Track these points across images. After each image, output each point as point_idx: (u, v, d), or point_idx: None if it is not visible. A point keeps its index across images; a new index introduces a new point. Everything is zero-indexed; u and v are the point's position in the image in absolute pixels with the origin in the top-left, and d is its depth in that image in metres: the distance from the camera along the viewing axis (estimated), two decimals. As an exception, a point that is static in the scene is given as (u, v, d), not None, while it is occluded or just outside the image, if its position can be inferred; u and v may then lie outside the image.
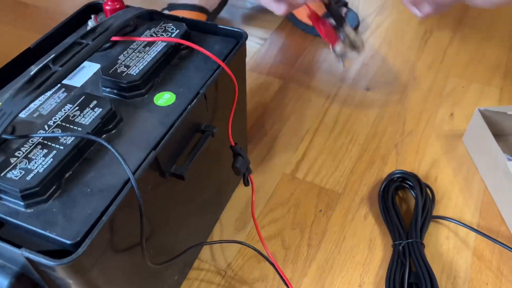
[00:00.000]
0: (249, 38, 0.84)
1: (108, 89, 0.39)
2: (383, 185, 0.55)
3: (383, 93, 0.72)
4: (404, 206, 0.56)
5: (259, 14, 0.91)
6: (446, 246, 0.52)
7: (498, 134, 0.62)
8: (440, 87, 0.73)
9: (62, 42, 0.46)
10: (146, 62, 0.40)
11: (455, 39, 0.83)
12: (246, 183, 0.48)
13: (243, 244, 0.49)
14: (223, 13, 0.91)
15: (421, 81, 0.74)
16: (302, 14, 0.85)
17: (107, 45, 0.45)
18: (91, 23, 0.45)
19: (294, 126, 0.68)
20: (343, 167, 0.62)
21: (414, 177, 0.55)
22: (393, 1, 0.93)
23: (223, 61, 0.42)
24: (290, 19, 0.88)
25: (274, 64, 0.79)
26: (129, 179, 0.32)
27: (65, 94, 0.40)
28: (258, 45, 0.83)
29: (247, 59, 0.80)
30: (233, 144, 0.46)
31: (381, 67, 0.78)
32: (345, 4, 0.86)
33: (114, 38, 0.42)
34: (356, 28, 0.84)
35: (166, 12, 0.83)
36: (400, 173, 0.56)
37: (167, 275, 0.44)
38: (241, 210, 0.57)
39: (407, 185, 0.56)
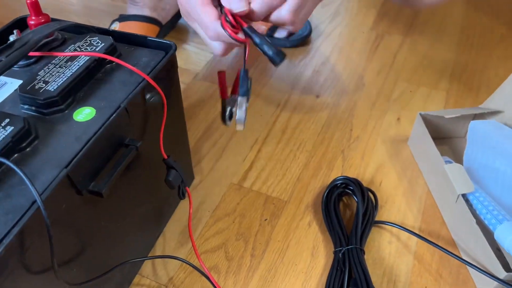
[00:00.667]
0: (201, 47, 0.84)
1: (26, 106, 0.38)
2: (326, 192, 0.56)
3: (332, 100, 0.73)
4: (348, 212, 0.57)
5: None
6: (388, 250, 0.52)
7: (441, 137, 0.63)
8: (389, 92, 0.74)
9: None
10: (66, 77, 0.39)
11: (405, 43, 0.84)
12: (180, 196, 0.47)
13: (181, 261, 0.49)
14: (177, 24, 0.90)
15: (370, 87, 0.75)
16: (254, 24, 0.85)
17: (32, 60, 0.44)
18: (12, 39, 0.44)
19: (244, 135, 0.67)
20: (290, 174, 0.62)
21: (356, 182, 0.56)
22: (345, 8, 0.95)
23: (149, 73, 0.41)
24: (243, 27, 0.88)
25: (227, 74, 0.79)
26: (36, 200, 0.31)
27: (-18, 112, 0.39)
28: (211, 54, 0.83)
29: (199, 68, 0.80)
30: (165, 157, 0.45)
31: (331, 74, 0.78)
32: (297, 12, 0.87)
33: (33, 53, 0.41)
34: (308, 35, 0.85)
35: (116, 23, 0.82)
36: (343, 179, 0.56)
37: (99, 293, 0.43)
38: (185, 222, 0.56)
39: (349, 191, 0.57)
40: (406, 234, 0.54)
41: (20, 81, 0.42)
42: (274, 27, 0.85)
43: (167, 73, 0.45)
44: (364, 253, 0.50)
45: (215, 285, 0.45)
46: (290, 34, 0.84)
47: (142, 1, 0.82)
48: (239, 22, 0.45)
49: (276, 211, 0.57)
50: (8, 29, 0.47)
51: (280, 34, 0.84)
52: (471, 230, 0.48)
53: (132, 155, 0.39)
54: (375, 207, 0.55)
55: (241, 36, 0.45)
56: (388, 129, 0.67)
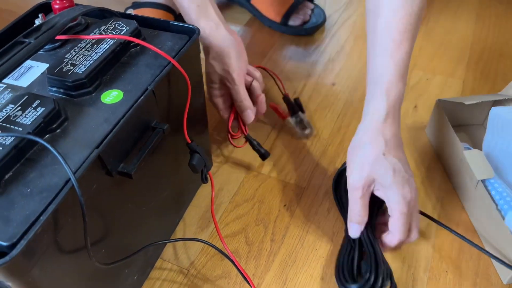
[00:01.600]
0: (216, 36, 0.84)
1: (54, 89, 0.39)
2: (337, 173, 0.56)
3: (348, 88, 0.73)
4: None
5: (226, 11, 0.91)
6: (407, 236, 0.53)
7: (458, 125, 0.63)
8: (405, 80, 0.74)
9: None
10: (93, 60, 0.39)
11: (420, 32, 0.84)
12: (204, 181, 0.48)
13: (204, 243, 0.49)
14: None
15: (386, 75, 0.75)
16: (269, 11, 0.85)
17: (57, 44, 0.44)
18: (38, 23, 0.44)
19: (261, 121, 0.68)
20: (307, 162, 0.62)
21: None
22: (359, -3, 0.94)
23: (174, 57, 0.42)
24: (257, 16, 0.88)
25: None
26: (70, 179, 0.31)
27: (10, 94, 0.39)
28: (225, 43, 0.83)
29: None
30: (189, 141, 0.45)
31: (346, 62, 0.78)
32: (312, 1, 0.87)
33: (59, 37, 0.42)
34: (322, 24, 0.85)
35: (130, 10, 0.82)
36: None
37: (125, 275, 0.44)
38: (205, 208, 0.56)
39: None
40: (426, 220, 0.54)
41: (46, 65, 0.42)
42: (288, 14, 0.84)
43: (191, 57, 0.45)
44: (375, 229, 0.49)
45: (239, 267, 0.45)
46: (304, 22, 0.84)
47: (155, -12, 0.82)
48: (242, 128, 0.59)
49: (295, 197, 0.57)
50: (32, 13, 0.47)
51: (295, 22, 0.84)
52: (491, 216, 0.48)
53: (160, 138, 0.40)
54: None
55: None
56: (405, 117, 0.67)
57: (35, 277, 0.31)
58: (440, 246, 0.52)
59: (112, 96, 0.38)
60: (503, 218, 0.47)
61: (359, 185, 0.45)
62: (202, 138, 0.56)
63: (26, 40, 0.37)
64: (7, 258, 0.27)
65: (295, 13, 0.84)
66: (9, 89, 0.40)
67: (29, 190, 0.31)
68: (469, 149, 0.55)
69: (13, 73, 0.40)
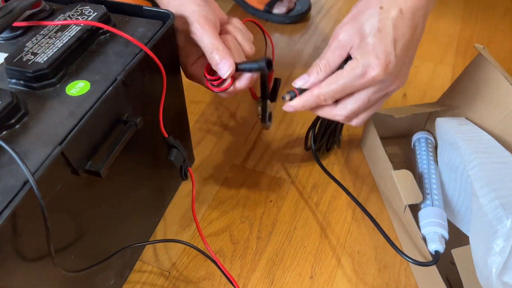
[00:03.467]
0: (196, 25, 0.81)
1: (13, 80, 0.35)
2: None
3: (335, 76, 0.70)
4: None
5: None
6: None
7: (391, 136, 0.59)
8: (393, 68, 0.71)
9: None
10: (57, 49, 0.36)
11: (407, 19, 0.81)
12: (183, 177, 0.45)
13: (185, 244, 0.46)
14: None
15: (373, 63, 0.72)
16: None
17: (18, 32, 0.40)
18: (-4, 8, 0.40)
19: (244, 115, 0.65)
20: (294, 154, 0.59)
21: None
22: (345, -17, 0.91)
23: (146, 44, 0.38)
24: (240, 4, 0.85)
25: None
26: (28, 180, 0.28)
27: (-35, 88, 0.35)
28: (206, 32, 0.80)
29: (195, 47, 0.76)
30: (166, 135, 0.42)
31: (333, 50, 0.75)
32: (296, -13, 0.84)
33: (18, 23, 0.38)
34: (307, 11, 0.82)
35: None
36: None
37: (100, 280, 0.41)
38: (187, 206, 0.54)
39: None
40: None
41: (5, 55, 0.38)
42: (272, 2, 0.81)
43: (166, 45, 0.42)
44: None
45: (222, 268, 0.43)
46: (289, 10, 0.81)
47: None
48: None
49: (282, 192, 0.55)
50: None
51: (279, 10, 0.81)
52: (417, 243, 0.45)
53: (131, 132, 0.36)
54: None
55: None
56: (395, 105, 0.65)
57: (-8, 290, 0.27)
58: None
59: (78, 88, 0.35)
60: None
61: (337, 33, 0.40)
62: (182, 132, 0.53)
63: (-20, 27, 0.33)
64: (-47, 271, 0.24)
65: (279, 1, 0.81)
66: (-36, 82, 0.36)
67: (-18, 194, 0.28)
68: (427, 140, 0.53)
69: (-33, 64, 0.36)
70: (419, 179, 0.50)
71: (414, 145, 0.55)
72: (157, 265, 0.48)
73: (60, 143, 0.31)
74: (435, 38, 0.77)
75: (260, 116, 0.53)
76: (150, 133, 0.42)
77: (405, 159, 0.57)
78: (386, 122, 0.56)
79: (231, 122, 0.64)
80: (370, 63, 0.37)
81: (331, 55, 0.41)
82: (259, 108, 0.53)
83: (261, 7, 0.81)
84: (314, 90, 0.41)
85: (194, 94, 0.67)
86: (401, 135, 0.58)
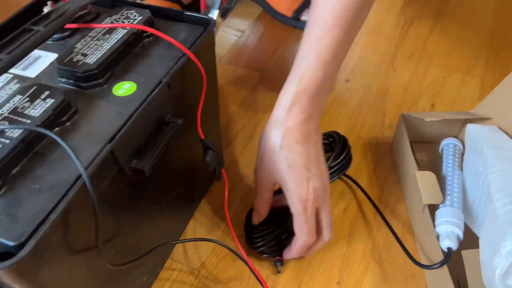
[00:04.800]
0: (226, 30, 0.82)
1: (64, 80, 0.37)
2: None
3: (362, 85, 0.71)
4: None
5: (236, 6, 0.89)
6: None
7: (422, 141, 0.59)
8: (421, 78, 0.72)
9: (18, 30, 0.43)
10: (105, 50, 0.37)
11: (435, 29, 0.82)
12: (217, 178, 0.46)
13: (216, 243, 0.47)
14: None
15: (401, 72, 0.73)
16: (280, 6, 0.83)
17: (66, 33, 0.42)
18: (46, 10, 0.42)
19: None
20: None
21: (340, 136, 0.56)
22: (373, -8, 0.92)
23: (189, 48, 0.40)
24: (268, 10, 0.86)
25: (251, 56, 0.77)
26: (81, 175, 0.29)
27: (18, 85, 0.37)
28: (235, 37, 0.81)
29: (224, 51, 0.78)
30: (202, 137, 0.43)
31: (360, 58, 0.76)
32: (324, -5, 0.84)
33: (69, 26, 0.40)
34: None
35: (138, 1, 0.80)
36: (330, 132, 0.57)
37: (134, 276, 0.42)
38: (216, 207, 0.55)
39: (332, 142, 0.57)
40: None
41: (55, 55, 0.40)
42: (300, 10, 0.82)
43: (206, 49, 0.43)
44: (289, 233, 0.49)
45: (252, 268, 0.43)
46: (317, 18, 0.82)
47: (163, -21, 0.80)
48: None
49: (309, 197, 0.55)
50: (41, 1, 0.45)
51: (307, 17, 0.82)
52: (432, 242, 0.45)
53: (174, 133, 0.38)
54: (347, 164, 0.55)
55: None
56: (422, 115, 0.65)
57: (43, 279, 0.29)
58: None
59: (124, 89, 0.36)
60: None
61: (259, 181, 0.44)
62: (214, 135, 0.54)
63: (35, 28, 0.35)
64: (14, 259, 0.25)
65: (307, 8, 0.82)
66: (16, 80, 0.38)
67: (37, 186, 0.29)
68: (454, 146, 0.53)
69: (20, 62, 0.38)
70: (442, 181, 0.50)
71: (441, 150, 0.55)
72: (187, 264, 0.49)
73: (110, 141, 0.32)
74: (463, 49, 0.77)
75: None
76: (186, 134, 0.44)
77: (432, 164, 0.57)
78: (417, 126, 0.56)
79: (260, 125, 0.65)
80: (299, 192, 0.41)
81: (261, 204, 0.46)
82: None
83: (289, 14, 0.82)
84: (296, 243, 0.44)
85: (223, 97, 0.69)
86: (431, 141, 0.59)
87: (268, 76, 0.73)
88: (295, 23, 0.83)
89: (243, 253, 0.45)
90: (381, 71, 0.73)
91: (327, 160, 0.54)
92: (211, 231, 0.52)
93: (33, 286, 0.28)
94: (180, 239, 0.51)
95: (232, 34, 0.82)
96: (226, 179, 0.47)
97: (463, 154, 0.54)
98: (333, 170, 0.55)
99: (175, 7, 0.79)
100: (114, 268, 0.34)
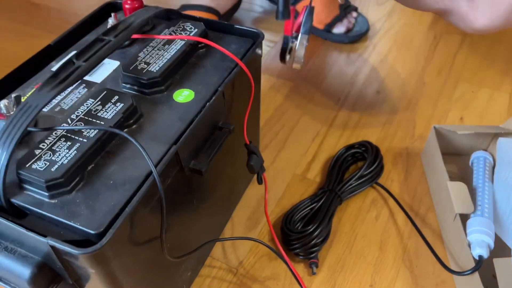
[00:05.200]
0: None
1: (128, 85, 0.40)
2: (345, 148, 0.61)
3: (393, 97, 0.73)
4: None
5: (268, 17, 0.92)
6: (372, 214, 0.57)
7: (453, 153, 0.61)
8: (450, 92, 0.74)
9: (82, 39, 0.47)
10: (166, 60, 0.41)
11: (465, 44, 0.83)
12: (259, 181, 0.48)
13: (256, 241, 0.50)
14: (233, 17, 0.92)
15: (430, 86, 0.75)
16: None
17: (126, 43, 0.45)
18: (111, 21, 0.45)
19: (305, 128, 0.68)
20: (353, 168, 0.62)
21: (373, 146, 0.60)
22: (402, 7, 0.94)
23: (241, 60, 0.43)
24: (300, 22, 0.89)
25: (284, 67, 0.80)
26: (150, 172, 0.33)
27: (86, 89, 0.40)
28: (268, 47, 0.84)
29: (258, 61, 0.81)
30: (248, 142, 0.46)
31: (390, 71, 0.78)
32: (355, 9, 0.87)
33: (134, 36, 0.43)
34: (366, 32, 0.85)
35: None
36: (362, 142, 0.61)
37: (181, 270, 0.45)
38: (252, 209, 0.57)
39: (364, 152, 0.60)
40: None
41: (116, 62, 0.44)
42: (332, 23, 0.85)
43: (255, 61, 0.46)
44: (341, 202, 0.55)
45: (291, 267, 0.46)
46: (348, 31, 0.85)
47: (200, -10, 0.84)
48: None
49: (342, 204, 0.58)
50: (101, 12, 0.49)
51: (339, 30, 0.85)
52: (463, 249, 0.47)
53: (226, 137, 0.41)
54: (379, 172, 0.58)
55: None
56: (451, 128, 0.67)
57: (114, 266, 0.32)
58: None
59: (183, 96, 0.40)
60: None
61: None
62: (254, 140, 0.57)
63: (106, 38, 0.38)
64: (97, 246, 0.28)
65: (339, 21, 0.85)
66: (84, 84, 0.41)
67: (111, 182, 0.32)
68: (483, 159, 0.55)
69: (89, 69, 0.42)
70: (473, 192, 0.52)
71: (472, 162, 0.57)
72: (226, 262, 0.52)
73: (175, 143, 0.35)
74: (493, 64, 0.79)
75: (290, 50, 0.50)
76: (232, 139, 0.46)
77: (462, 176, 0.59)
78: (448, 138, 0.58)
79: (293, 133, 0.67)
80: None
81: None
82: (291, 44, 0.50)
83: (321, 26, 0.85)
84: None
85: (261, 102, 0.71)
86: (461, 153, 0.61)
87: (300, 86, 0.76)
88: (326, 35, 0.85)
89: (283, 253, 0.47)
90: (411, 84, 0.75)
91: (360, 168, 0.57)
92: (248, 232, 0.55)
93: (106, 271, 0.31)
94: (219, 237, 0.54)
95: (265, 44, 0.85)
96: (266, 183, 0.50)
97: (493, 167, 0.56)
98: (365, 178, 0.57)
99: (213, 17, 0.83)
100: (171, 260, 0.37)
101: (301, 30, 0.50)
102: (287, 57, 0.51)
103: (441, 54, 0.81)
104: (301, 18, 0.49)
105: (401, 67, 0.79)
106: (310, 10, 0.50)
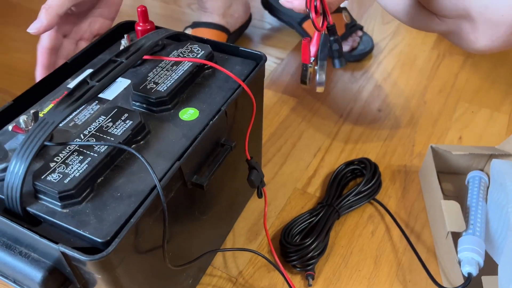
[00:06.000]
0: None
1: (137, 103, 0.43)
2: (345, 164, 0.63)
3: (394, 115, 0.75)
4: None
5: (277, 34, 0.95)
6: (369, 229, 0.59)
7: (450, 172, 0.63)
8: (450, 111, 0.75)
9: (95, 58, 0.50)
10: (173, 80, 0.43)
11: (467, 64, 0.85)
12: (259, 195, 0.51)
13: (255, 253, 0.52)
14: (243, 33, 0.95)
15: (431, 105, 0.77)
16: (318, 36, 0.89)
17: (137, 62, 0.48)
18: (124, 42, 0.49)
19: (307, 143, 0.71)
20: (353, 184, 0.64)
21: (371, 163, 0.62)
22: (406, 27, 0.96)
23: (243, 81, 0.45)
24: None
25: (289, 83, 0.83)
26: (155, 186, 0.35)
27: (98, 106, 0.43)
28: (275, 64, 0.87)
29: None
30: (249, 158, 0.49)
31: (393, 89, 0.80)
32: (361, 28, 0.90)
33: (145, 57, 0.46)
34: (370, 51, 0.87)
35: (189, 29, 0.88)
36: (361, 159, 0.63)
37: (183, 278, 0.47)
38: (253, 221, 0.60)
39: (363, 169, 0.62)
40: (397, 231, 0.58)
41: (128, 81, 0.47)
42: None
43: (257, 81, 0.49)
44: (338, 216, 0.57)
45: (287, 278, 0.48)
46: (352, 49, 0.88)
47: (211, 8, 0.87)
48: (326, 12, 0.48)
49: (340, 218, 0.60)
50: (115, 32, 0.52)
51: (343, 48, 0.87)
52: (454, 267, 0.49)
53: (228, 153, 0.43)
54: (377, 189, 0.60)
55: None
56: (450, 147, 0.69)
57: (119, 273, 0.34)
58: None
59: (189, 114, 0.42)
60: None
61: None
62: (256, 156, 0.59)
63: (118, 59, 0.41)
64: (104, 253, 0.31)
65: (344, 40, 0.87)
66: (97, 101, 0.44)
67: (119, 194, 0.35)
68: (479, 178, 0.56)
69: (102, 87, 0.45)
70: (466, 211, 0.54)
71: (468, 182, 0.58)
72: (226, 271, 0.54)
73: (179, 159, 0.38)
74: (493, 85, 0.80)
75: (310, 77, 0.54)
76: (234, 154, 0.49)
77: (458, 195, 0.60)
78: (445, 158, 0.60)
79: (295, 148, 0.70)
80: None
81: None
82: (309, 71, 0.53)
83: (327, 44, 0.88)
84: None
85: (264, 117, 0.74)
86: (458, 172, 0.62)
87: (303, 101, 0.78)
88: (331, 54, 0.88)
89: (279, 264, 0.49)
90: (412, 103, 0.77)
91: (358, 185, 0.59)
92: (248, 243, 0.57)
93: (112, 277, 0.34)
94: (221, 248, 0.56)
95: (272, 61, 0.88)
96: (266, 197, 0.52)
97: (488, 187, 0.57)
98: (363, 194, 0.59)
99: (222, 34, 0.86)
100: (173, 268, 0.39)
101: (320, 57, 0.53)
102: (308, 82, 0.55)
103: (443, 73, 0.83)
104: (315, 44, 0.52)
105: (404, 85, 0.81)
106: (325, 38, 0.52)
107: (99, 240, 0.32)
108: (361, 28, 0.90)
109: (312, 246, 0.52)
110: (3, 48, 0.92)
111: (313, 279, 0.52)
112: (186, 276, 0.48)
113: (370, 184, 0.59)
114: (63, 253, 0.32)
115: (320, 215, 0.56)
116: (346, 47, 0.87)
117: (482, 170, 0.61)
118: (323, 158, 0.68)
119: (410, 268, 0.54)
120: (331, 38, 0.51)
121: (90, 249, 0.33)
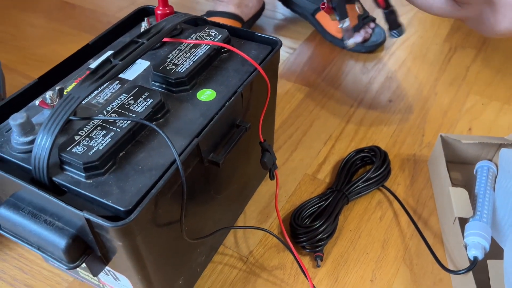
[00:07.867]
0: (279, 47, 0.90)
1: (157, 84, 0.45)
2: (354, 152, 0.64)
3: (404, 106, 0.76)
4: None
5: (289, 25, 0.96)
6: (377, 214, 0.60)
7: (459, 162, 0.64)
8: (460, 103, 0.76)
9: (116, 40, 0.52)
10: (192, 62, 0.45)
11: (478, 57, 0.86)
12: (271, 177, 0.52)
13: (266, 231, 0.53)
14: (256, 23, 0.96)
15: (442, 97, 0.78)
16: (331, 27, 0.90)
17: (157, 45, 0.50)
18: (144, 25, 0.50)
19: (318, 131, 0.72)
20: (362, 171, 0.65)
21: (381, 151, 0.63)
22: (419, 19, 0.97)
23: (259, 65, 0.47)
24: (319, 30, 0.93)
25: (301, 72, 0.84)
26: (174, 161, 0.37)
27: (119, 86, 0.45)
28: (287, 54, 0.88)
29: (277, 66, 0.85)
30: (262, 140, 0.50)
31: (404, 81, 0.81)
32: (373, 20, 0.90)
33: (165, 39, 0.48)
34: (382, 43, 0.88)
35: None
36: (372, 146, 0.64)
37: (196, 254, 0.49)
38: (263, 204, 0.61)
39: (373, 156, 0.64)
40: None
41: (147, 62, 0.48)
42: (350, 33, 0.88)
43: (272, 65, 0.50)
44: (347, 201, 0.59)
45: (297, 257, 0.49)
46: (365, 40, 0.88)
47: (227, -2, 0.88)
48: None
49: (349, 204, 0.61)
50: (134, 16, 0.54)
51: (356, 39, 0.88)
52: (460, 251, 0.50)
53: (243, 134, 0.45)
54: (386, 176, 0.62)
55: None
56: (459, 138, 0.70)
57: (138, 242, 0.36)
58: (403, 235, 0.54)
59: (206, 95, 0.44)
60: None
61: None
62: (268, 139, 0.61)
63: (140, 40, 0.43)
64: (126, 220, 0.33)
65: (357, 31, 0.88)
66: (117, 81, 0.46)
67: (140, 167, 0.37)
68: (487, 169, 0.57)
69: (123, 67, 0.46)
70: (474, 199, 0.55)
71: (476, 171, 0.59)
72: (237, 251, 0.56)
73: (197, 136, 0.39)
74: (504, 79, 0.81)
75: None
76: (248, 137, 0.51)
77: (466, 184, 0.61)
78: (454, 147, 0.61)
79: (306, 136, 0.71)
80: None
81: None
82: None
83: (339, 35, 0.89)
84: None
85: (277, 105, 0.75)
86: (467, 162, 0.63)
87: (315, 92, 0.79)
88: (343, 44, 0.89)
89: (290, 245, 0.51)
90: (423, 94, 0.78)
91: (368, 171, 0.60)
92: (259, 224, 0.59)
93: (132, 245, 0.35)
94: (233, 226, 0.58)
95: (285, 51, 0.89)
96: (278, 179, 0.54)
97: (496, 176, 0.58)
98: (372, 181, 0.60)
99: (236, 23, 0.88)
100: (188, 240, 0.41)
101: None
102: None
103: (454, 66, 0.84)
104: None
105: (415, 77, 0.82)
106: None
107: (121, 208, 0.34)
108: (373, 20, 0.90)
109: (321, 229, 0.53)
110: (21, 34, 0.95)
111: (321, 260, 0.54)
112: (199, 252, 0.49)
113: (380, 171, 0.60)
114: (87, 220, 0.34)
115: (329, 200, 0.58)
116: (358, 39, 0.88)
117: (490, 160, 0.62)
118: (334, 146, 0.69)
119: (417, 252, 0.55)
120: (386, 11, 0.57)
121: (112, 217, 0.34)
